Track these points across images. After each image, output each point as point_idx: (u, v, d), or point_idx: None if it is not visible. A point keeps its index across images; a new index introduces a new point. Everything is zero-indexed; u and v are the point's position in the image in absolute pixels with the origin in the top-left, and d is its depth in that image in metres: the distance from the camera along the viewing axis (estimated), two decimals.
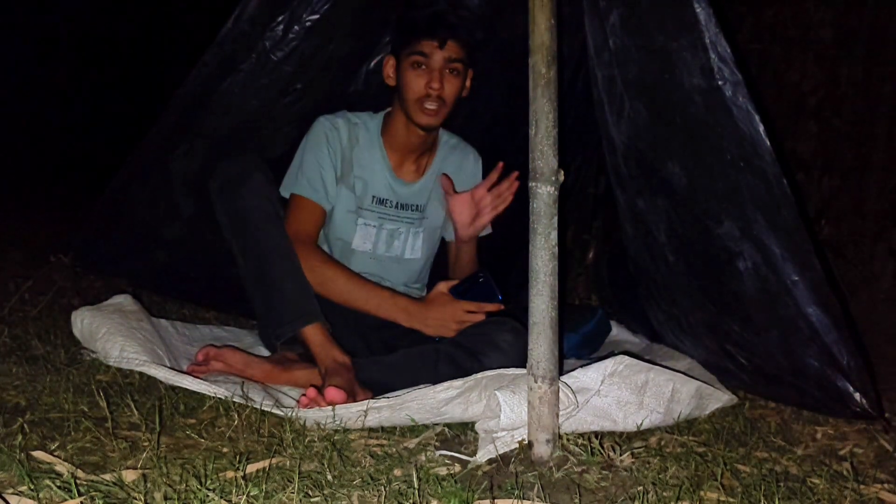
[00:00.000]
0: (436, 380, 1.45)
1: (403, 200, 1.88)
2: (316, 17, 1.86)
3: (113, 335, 1.57)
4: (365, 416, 1.34)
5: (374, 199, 1.85)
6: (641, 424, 1.37)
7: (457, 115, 1.84)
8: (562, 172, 1.18)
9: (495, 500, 1.06)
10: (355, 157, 1.83)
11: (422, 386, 1.46)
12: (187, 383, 1.45)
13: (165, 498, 0.99)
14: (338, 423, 1.33)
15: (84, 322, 1.62)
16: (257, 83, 1.93)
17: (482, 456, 1.21)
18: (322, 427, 1.33)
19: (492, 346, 1.57)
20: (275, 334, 1.62)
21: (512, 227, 2.09)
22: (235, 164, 1.68)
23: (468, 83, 1.83)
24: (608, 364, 1.34)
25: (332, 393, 1.40)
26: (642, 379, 1.37)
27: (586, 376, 1.32)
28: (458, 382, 1.34)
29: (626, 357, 1.36)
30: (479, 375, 1.34)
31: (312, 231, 1.78)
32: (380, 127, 1.86)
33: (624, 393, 1.35)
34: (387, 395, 1.43)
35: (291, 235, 1.69)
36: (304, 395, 1.43)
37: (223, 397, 1.41)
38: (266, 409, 1.37)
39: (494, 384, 1.30)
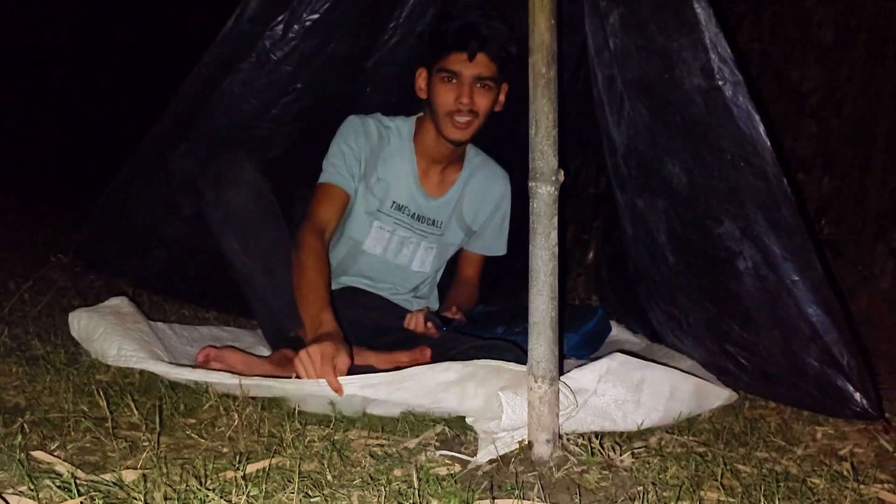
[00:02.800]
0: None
1: (422, 213, 1.86)
2: (316, 16, 1.86)
3: (110, 335, 1.57)
4: (363, 394, 1.36)
5: (393, 204, 1.84)
6: (642, 424, 1.37)
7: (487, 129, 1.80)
8: (562, 172, 1.17)
9: (495, 500, 1.06)
10: (383, 157, 1.81)
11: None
12: (186, 374, 1.45)
13: (165, 498, 0.99)
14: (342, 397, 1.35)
15: (81, 323, 1.62)
16: (257, 83, 1.93)
17: (482, 456, 1.20)
18: (322, 422, 1.33)
19: None
20: (278, 336, 1.65)
21: (512, 227, 2.09)
22: (228, 162, 1.68)
23: (502, 97, 1.78)
24: (603, 363, 1.34)
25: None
26: (638, 377, 1.37)
27: (582, 377, 1.32)
28: (457, 365, 1.34)
29: (620, 354, 1.36)
30: (480, 363, 1.34)
31: (328, 216, 1.73)
32: (412, 132, 1.84)
33: (620, 391, 1.35)
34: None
35: (308, 216, 1.70)
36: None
37: (227, 383, 1.42)
38: (270, 395, 1.38)
39: (493, 377, 1.30)
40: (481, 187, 1.93)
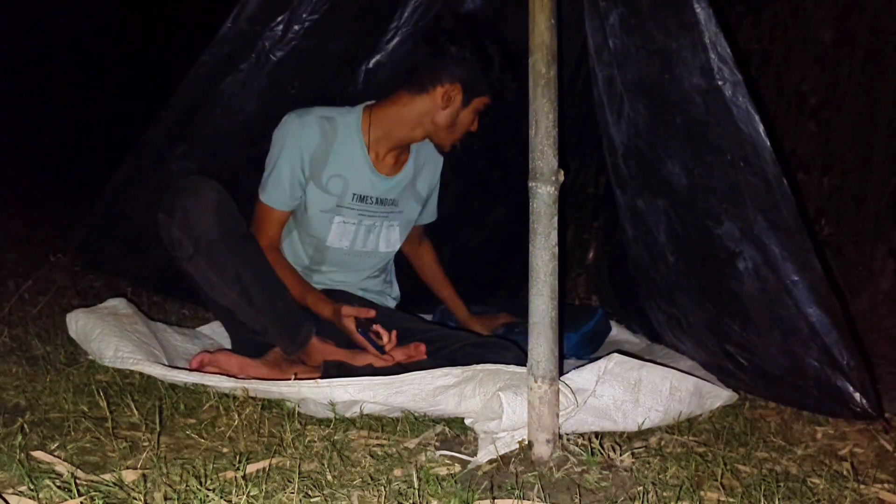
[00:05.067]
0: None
1: (382, 195, 1.88)
2: (315, 16, 1.86)
3: (107, 336, 1.57)
4: (362, 393, 1.37)
5: (354, 196, 1.84)
6: (642, 424, 1.37)
7: None
8: (562, 172, 1.18)
9: (495, 500, 1.06)
10: (333, 154, 1.81)
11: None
12: (182, 376, 1.45)
13: (165, 498, 0.99)
14: (346, 396, 1.37)
15: (79, 324, 1.62)
16: (256, 83, 1.93)
17: (483, 456, 1.21)
18: (322, 421, 1.33)
19: None
20: (293, 340, 1.69)
21: (512, 227, 2.09)
22: (187, 191, 1.67)
23: None
24: (600, 364, 1.34)
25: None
26: (635, 376, 1.37)
27: (581, 377, 1.32)
28: (456, 370, 1.35)
29: (617, 355, 1.36)
30: (479, 367, 1.34)
31: (273, 234, 1.86)
32: (359, 122, 1.83)
33: (618, 391, 1.35)
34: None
35: (255, 236, 1.78)
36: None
37: (224, 385, 1.42)
38: (268, 396, 1.37)
39: (491, 379, 1.31)
40: (429, 160, 1.99)
